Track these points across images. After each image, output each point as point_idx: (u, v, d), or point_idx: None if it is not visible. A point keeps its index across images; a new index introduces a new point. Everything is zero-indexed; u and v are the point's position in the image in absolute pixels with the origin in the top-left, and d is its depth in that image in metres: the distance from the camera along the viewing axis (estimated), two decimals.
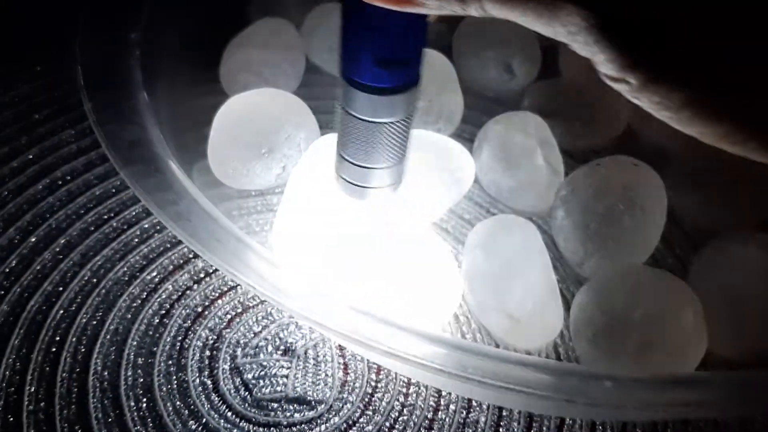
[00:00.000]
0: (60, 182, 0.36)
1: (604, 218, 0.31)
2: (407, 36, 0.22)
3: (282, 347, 0.31)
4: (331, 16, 0.40)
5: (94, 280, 0.32)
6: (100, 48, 0.32)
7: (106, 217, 0.35)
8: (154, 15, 0.38)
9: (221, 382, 0.29)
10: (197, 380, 0.29)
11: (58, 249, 0.33)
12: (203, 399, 0.29)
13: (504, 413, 0.29)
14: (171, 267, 0.33)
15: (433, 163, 0.33)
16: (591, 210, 0.31)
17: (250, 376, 0.30)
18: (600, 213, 0.31)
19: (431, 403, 0.29)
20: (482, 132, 0.36)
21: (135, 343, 0.30)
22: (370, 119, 0.23)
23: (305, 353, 0.30)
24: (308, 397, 0.29)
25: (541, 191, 0.34)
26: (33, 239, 0.34)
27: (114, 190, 0.36)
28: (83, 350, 0.30)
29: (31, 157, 0.37)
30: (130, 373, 0.29)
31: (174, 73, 0.40)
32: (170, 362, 0.30)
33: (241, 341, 0.31)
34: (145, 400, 0.29)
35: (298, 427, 0.28)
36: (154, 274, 0.33)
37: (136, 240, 0.34)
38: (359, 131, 0.24)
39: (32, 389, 0.29)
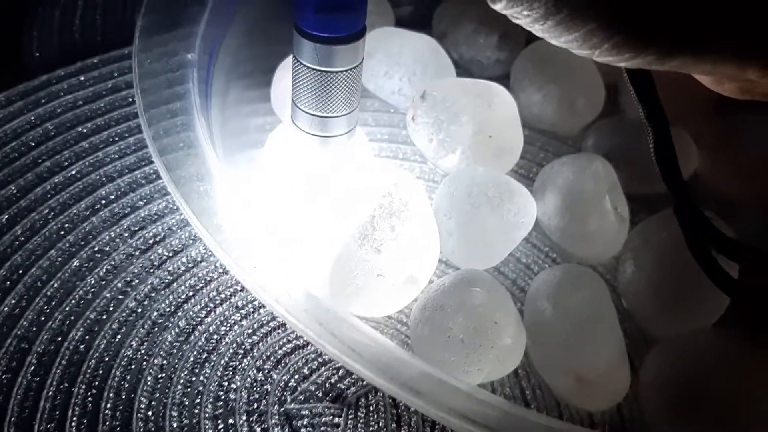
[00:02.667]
0: (104, 201, 0.35)
1: (679, 274, 0.29)
2: None
3: (333, 393, 0.29)
4: (386, 41, 0.39)
5: (139, 309, 0.31)
6: (156, 69, 0.31)
7: (151, 241, 0.34)
8: (209, 31, 0.37)
9: (270, 429, 0.28)
10: (245, 426, 0.28)
11: (101, 274, 0.32)
12: None
13: None
14: (218, 299, 0.32)
15: (495, 205, 0.31)
16: (665, 264, 0.29)
17: (299, 423, 0.28)
18: (674, 268, 0.29)
19: None
20: (546, 172, 0.34)
21: (181, 381, 0.29)
22: (320, 68, 0.25)
23: (357, 401, 0.29)
24: None
25: (608, 239, 0.32)
26: (76, 262, 0.32)
27: (159, 214, 0.35)
28: (127, 386, 0.29)
29: (74, 173, 0.36)
30: (175, 414, 0.28)
31: (226, 92, 0.39)
32: (218, 404, 0.29)
33: (291, 384, 0.29)
34: None
35: None
36: (201, 305, 0.32)
37: (183, 268, 0.33)
38: (310, 80, 0.26)
39: (73, 427, 0.27)
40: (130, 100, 0.39)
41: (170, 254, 0.33)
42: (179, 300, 0.32)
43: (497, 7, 0.22)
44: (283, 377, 0.30)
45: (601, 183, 0.32)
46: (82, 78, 0.40)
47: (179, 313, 0.31)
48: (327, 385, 0.29)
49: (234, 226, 0.26)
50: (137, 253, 0.33)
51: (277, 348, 0.31)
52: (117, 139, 0.38)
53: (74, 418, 0.28)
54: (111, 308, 0.31)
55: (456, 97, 0.35)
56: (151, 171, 0.36)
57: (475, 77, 0.41)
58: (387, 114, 0.40)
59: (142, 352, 0.30)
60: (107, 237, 0.34)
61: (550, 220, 0.33)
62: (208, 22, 0.37)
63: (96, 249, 0.33)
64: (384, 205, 0.30)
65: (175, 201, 0.26)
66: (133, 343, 0.30)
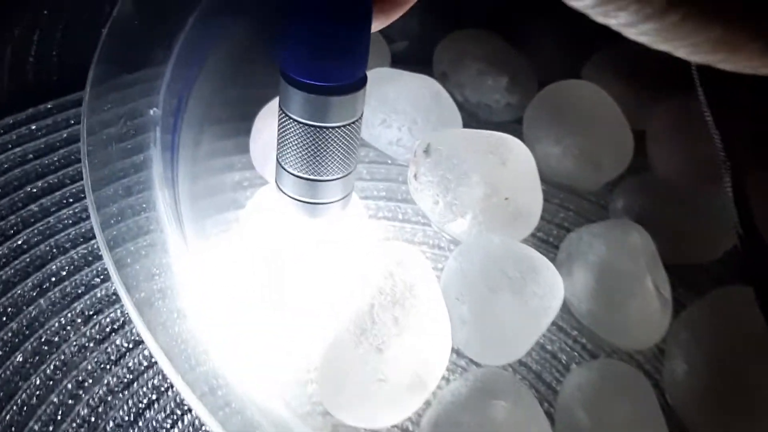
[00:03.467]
0: (54, 279, 0.30)
1: (734, 374, 0.24)
2: (352, 21, 0.19)
3: None
4: (382, 84, 0.34)
5: (92, 418, 0.26)
6: (111, 135, 0.26)
7: (108, 329, 0.28)
8: (178, 73, 0.32)
9: None
10: None
11: (48, 372, 0.27)
12: None
13: None
14: (186, 404, 0.27)
15: (517, 288, 0.26)
16: (720, 364, 0.24)
17: None
18: (732, 368, 0.24)
19: None
20: (572, 243, 0.29)
21: None
22: (313, 123, 0.20)
23: None
24: None
25: (649, 326, 0.27)
26: (19, 357, 0.27)
27: (117, 294, 0.30)
28: None
29: (20, 243, 0.31)
30: None
31: (197, 142, 0.34)
32: None
33: None
34: None
35: None
36: (166, 412, 0.26)
37: (145, 363, 0.28)
38: (300, 137, 0.21)
39: None
40: None
41: (130, 345, 0.28)
42: (140, 405, 0.26)
43: (578, 5, 0.15)
44: None
45: (640, 259, 0.27)
46: (34, 127, 0.35)
47: (140, 423, 0.26)
48: None
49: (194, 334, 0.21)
50: (91, 345, 0.28)
51: None
52: (72, 200, 0.33)
53: None
54: (59, 417, 0.26)
55: (465, 153, 0.30)
56: None
57: (483, 123, 0.37)
58: (384, 166, 0.35)
59: None
60: (56, 324, 0.28)
61: (581, 303, 0.28)
62: (176, 63, 0.32)
63: (43, 339, 0.28)
64: (385, 290, 0.26)
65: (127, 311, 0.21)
66: None
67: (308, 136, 0.21)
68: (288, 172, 0.22)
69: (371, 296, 0.25)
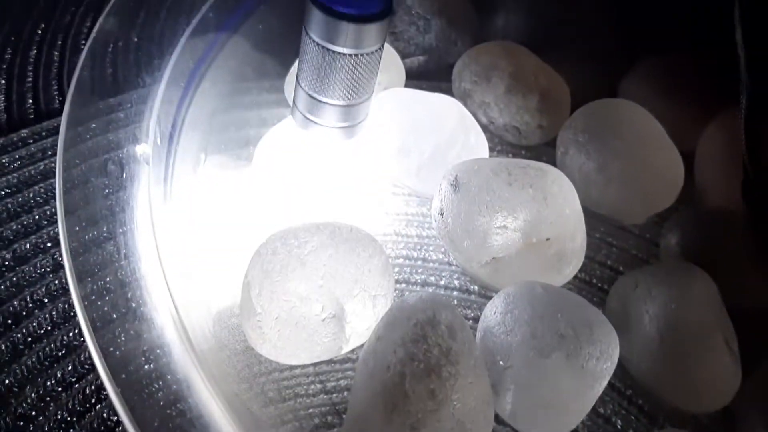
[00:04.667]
0: (30, 339, 0.26)
1: None
2: None
3: None
4: (399, 106, 0.30)
5: None
6: (91, 191, 0.22)
7: (93, 399, 0.25)
8: (171, 93, 0.28)
9: None
10: None
11: None
12: None
13: None
14: None
15: (571, 350, 0.23)
16: None
17: None
18: None
19: None
20: (625, 289, 0.26)
21: None
22: (327, 45, 0.22)
23: None
24: None
25: (719, 386, 0.24)
26: None
27: None
28: None
29: None
30: None
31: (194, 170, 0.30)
32: None
33: None
34: None
35: None
36: None
37: None
38: (314, 56, 0.23)
39: None
40: None
41: (117, 419, 0.24)
42: None
43: None
44: None
45: (708, 311, 0.24)
46: (5, 160, 0.31)
47: None
48: None
49: None
50: (73, 419, 0.24)
51: None
52: (50, 245, 0.29)
53: None
54: None
55: (500, 187, 0.26)
56: None
57: (511, 147, 0.33)
58: (402, 198, 0.31)
59: None
60: (33, 395, 0.24)
61: (641, 361, 0.24)
62: (168, 85, 0.28)
63: (18, 413, 0.24)
64: (418, 356, 0.22)
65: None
66: None
67: (317, 55, 0.23)
68: (299, 85, 0.25)
69: (402, 364, 0.22)
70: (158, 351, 0.19)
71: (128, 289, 0.21)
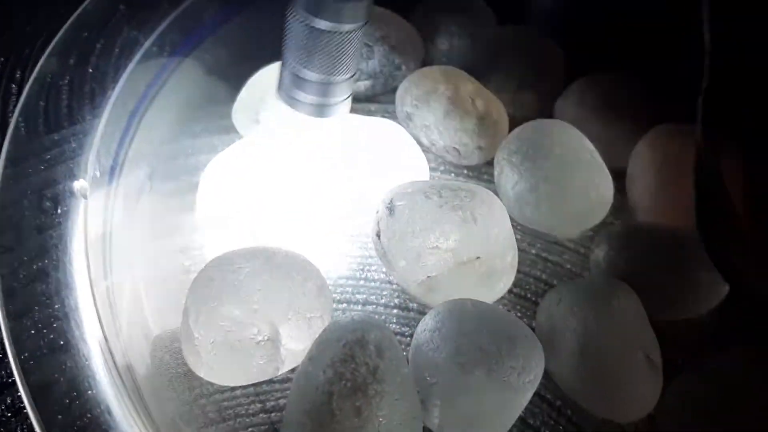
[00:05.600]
0: None
1: None
2: None
3: None
4: (341, 130, 0.31)
5: None
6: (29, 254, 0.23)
7: None
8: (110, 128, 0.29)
9: None
10: None
11: None
12: None
13: None
14: None
15: (492, 364, 0.24)
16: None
17: None
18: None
19: None
20: (551, 306, 0.27)
21: None
22: (340, 28, 0.25)
23: None
24: None
25: (640, 396, 0.25)
26: None
27: None
28: None
29: None
30: None
31: (137, 200, 0.31)
32: None
33: None
34: None
35: None
36: None
37: None
38: (327, 43, 0.25)
39: None
40: None
41: None
42: None
43: None
44: None
45: (629, 324, 0.25)
46: None
47: None
48: None
49: None
50: None
51: None
52: None
53: None
54: None
55: (432, 210, 0.27)
56: None
57: (452, 167, 0.34)
58: (345, 220, 0.32)
59: None
60: None
61: (565, 374, 0.25)
62: (110, 118, 0.29)
63: None
64: (345, 376, 0.23)
65: None
66: None
67: (330, 40, 0.25)
68: (307, 79, 0.27)
69: (330, 383, 0.23)
70: (87, 383, 0.20)
71: (59, 323, 0.21)
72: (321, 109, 0.28)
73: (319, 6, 0.25)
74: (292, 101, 0.28)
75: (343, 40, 0.26)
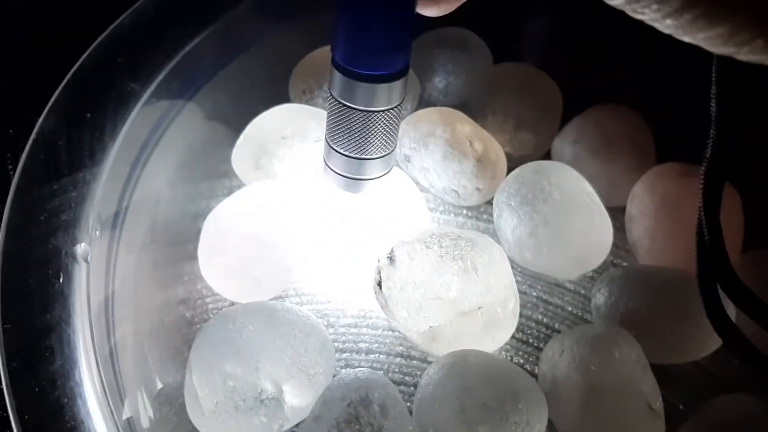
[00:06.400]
0: None
1: None
2: (401, 22, 0.23)
3: None
4: None
5: None
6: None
7: None
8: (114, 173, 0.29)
9: None
10: None
11: None
12: None
13: None
14: None
15: (497, 421, 0.24)
16: None
17: None
18: None
19: None
20: (555, 355, 0.27)
21: None
22: (369, 108, 0.24)
23: None
24: None
25: None
26: None
27: None
28: None
29: None
30: None
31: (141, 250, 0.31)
32: None
33: None
34: None
35: None
36: None
37: None
38: (356, 122, 0.24)
39: None
40: None
41: None
42: None
43: (613, 2, 0.18)
44: None
45: (631, 374, 0.25)
46: None
47: None
48: None
49: None
50: None
51: None
52: None
53: None
54: None
55: (433, 261, 0.27)
56: None
57: (452, 207, 0.35)
58: (347, 266, 0.32)
59: None
60: None
61: (568, 423, 0.25)
62: (111, 171, 0.29)
63: None
64: None
65: None
66: None
67: (359, 120, 0.24)
68: (339, 152, 0.26)
69: None
70: None
71: (62, 380, 0.21)
72: (351, 183, 0.27)
73: (346, 87, 0.23)
74: (326, 170, 0.27)
75: (374, 119, 0.24)
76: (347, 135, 0.25)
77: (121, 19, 0.33)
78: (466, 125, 0.34)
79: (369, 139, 0.25)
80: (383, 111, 0.24)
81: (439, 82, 0.38)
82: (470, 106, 0.37)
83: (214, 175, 0.35)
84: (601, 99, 0.36)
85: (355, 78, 0.23)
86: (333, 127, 0.25)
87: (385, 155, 0.26)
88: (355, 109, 0.24)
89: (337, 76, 0.23)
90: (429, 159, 0.33)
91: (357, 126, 0.24)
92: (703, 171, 0.24)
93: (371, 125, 0.24)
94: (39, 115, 0.28)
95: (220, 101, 0.36)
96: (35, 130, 0.27)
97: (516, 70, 0.37)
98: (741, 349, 0.24)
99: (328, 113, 0.25)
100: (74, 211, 0.26)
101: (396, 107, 0.24)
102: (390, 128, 0.25)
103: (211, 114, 0.35)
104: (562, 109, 0.36)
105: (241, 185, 0.33)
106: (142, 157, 0.32)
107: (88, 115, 0.29)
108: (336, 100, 0.24)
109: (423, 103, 0.38)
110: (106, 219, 0.29)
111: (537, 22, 0.42)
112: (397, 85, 0.24)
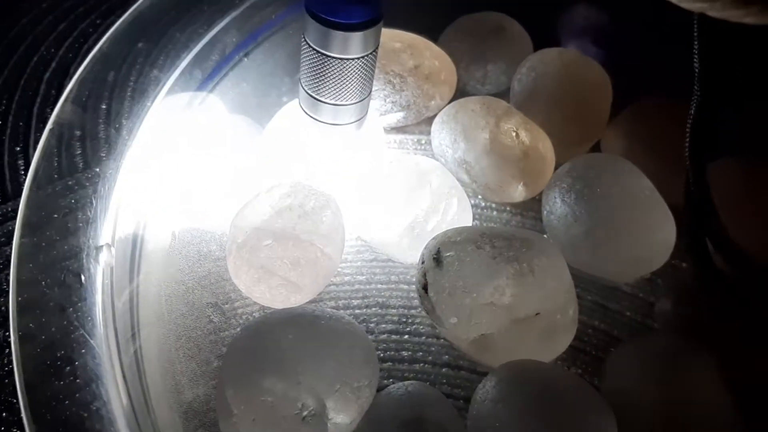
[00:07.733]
0: None
1: None
2: None
3: None
4: (372, 177, 0.29)
5: None
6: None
7: None
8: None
9: None
10: None
11: None
12: None
13: None
14: None
15: None
16: None
17: None
18: None
19: None
20: (622, 369, 0.24)
21: None
22: (344, 56, 0.24)
23: None
24: None
25: None
26: None
27: None
28: None
29: None
30: None
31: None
32: None
33: None
34: None
35: None
36: None
37: None
38: (332, 69, 0.25)
39: None
40: None
41: None
42: None
43: None
44: None
45: (704, 389, 0.22)
46: None
47: None
48: None
49: None
50: None
51: None
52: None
53: None
54: None
55: (484, 263, 0.25)
56: None
57: (495, 206, 0.32)
58: (387, 266, 0.30)
59: None
60: None
61: None
62: (131, 164, 0.27)
63: None
64: None
65: None
66: None
67: (332, 66, 0.25)
68: (312, 97, 0.26)
69: None
70: None
71: (82, 392, 0.19)
72: (327, 128, 0.28)
73: (324, 37, 0.24)
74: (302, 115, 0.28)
75: (351, 66, 0.25)
76: (323, 81, 0.25)
77: (140, 2, 0.30)
78: (512, 115, 0.31)
79: (344, 85, 0.25)
80: (358, 58, 0.25)
81: (476, 70, 0.36)
82: (511, 98, 0.34)
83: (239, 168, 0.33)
84: (648, 89, 0.33)
85: (331, 26, 0.23)
86: (308, 74, 0.26)
87: (361, 101, 0.27)
88: (330, 57, 0.24)
89: (312, 24, 0.24)
90: (471, 152, 0.31)
91: (333, 73, 0.25)
92: (688, 128, 0.25)
93: (347, 72, 0.25)
94: (49, 106, 0.25)
95: (243, 90, 0.33)
96: (51, 120, 0.25)
97: (561, 56, 0.35)
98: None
99: (302, 60, 0.25)
100: (93, 209, 0.24)
101: (371, 54, 0.25)
102: (365, 75, 0.26)
103: (234, 104, 0.33)
104: (611, 98, 0.33)
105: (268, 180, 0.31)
106: (162, 153, 0.29)
107: (106, 103, 0.27)
108: (311, 47, 0.24)
109: (458, 93, 0.35)
110: (124, 218, 0.26)
111: (574, 7, 0.40)
112: (372, 32, 0.24)
